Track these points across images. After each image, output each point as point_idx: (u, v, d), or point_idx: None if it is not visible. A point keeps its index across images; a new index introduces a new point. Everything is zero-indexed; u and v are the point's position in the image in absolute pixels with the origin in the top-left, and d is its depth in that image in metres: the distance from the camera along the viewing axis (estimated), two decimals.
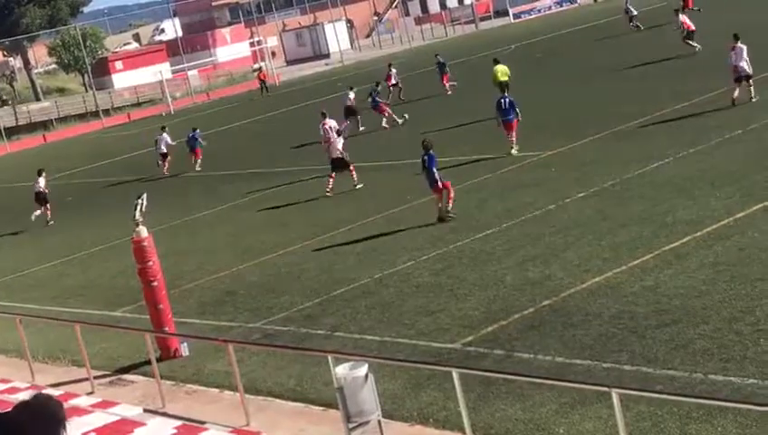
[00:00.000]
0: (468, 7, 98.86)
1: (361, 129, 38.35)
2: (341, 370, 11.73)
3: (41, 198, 33.63)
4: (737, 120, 24.95)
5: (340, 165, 27.63)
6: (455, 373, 11.10)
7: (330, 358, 12.32)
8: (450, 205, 21.68)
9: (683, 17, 41.42)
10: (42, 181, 33.86)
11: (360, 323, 16.48)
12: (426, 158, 21.76)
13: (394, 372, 13.80)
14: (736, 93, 26.98)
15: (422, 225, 21.86)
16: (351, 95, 40.48)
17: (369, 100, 39.65)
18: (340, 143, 27.91)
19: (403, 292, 17.56)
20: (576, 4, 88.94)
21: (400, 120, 37.83)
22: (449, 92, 44.24)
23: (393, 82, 45.76)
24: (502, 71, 35.91)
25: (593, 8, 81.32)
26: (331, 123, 28.83)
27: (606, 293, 15.20)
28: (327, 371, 12.51)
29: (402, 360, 14.01)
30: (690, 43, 40.02)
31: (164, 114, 70.07)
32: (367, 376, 11.59)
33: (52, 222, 33.21)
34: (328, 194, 27.15)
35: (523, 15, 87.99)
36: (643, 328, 13.54)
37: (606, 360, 12.79)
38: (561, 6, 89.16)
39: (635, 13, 54.73)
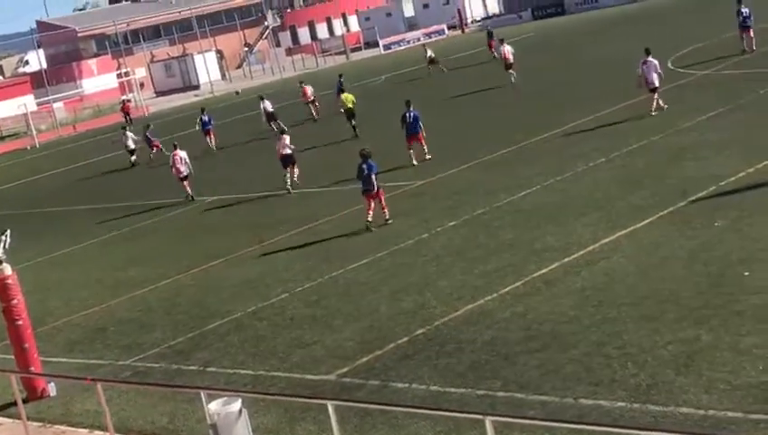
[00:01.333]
0: (339, 38, 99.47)
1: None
2: (214, 406, 11.55)
3: None
4: (600, 148, 25.65)
5: (289, 161, 29.66)
6: (330, 405, 11.04)
7: (202, 394, 12.12)
8: (386, 212, 22.90)
9: (504, 49, 44.11)
10: None
11: (233, 357, 16.29)
12: (366, 166, 22.74)
13: (269, 406, 13.67)
14: (654, 104, 28.89)
15: (296, 256, 21.80)
16: (268, 103, 45.25)
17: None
18: (287, 139, 29.74)
19: (277, 324, 17.44)
20: (444, 36, 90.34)
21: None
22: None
23: (311, 98, 47.49)
24: (349, 98, 38.75)
25: (462, 39, 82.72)
26: (181, 154, 32.10)
27: (478, 320, 15.39)
28: (200, 407, 12.30)
29: (276, 394, 13.90)
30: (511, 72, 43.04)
31: (29, 148, 68.34)
32: (241, 411, 11.43)
33: None
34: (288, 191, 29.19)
35: (393, 47, 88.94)
36: (515, 354, 13.74)
37: (479, 387, 12.93)
38: (430, 38, 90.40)
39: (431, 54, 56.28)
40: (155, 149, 44.39)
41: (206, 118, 44.36)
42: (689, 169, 21.99)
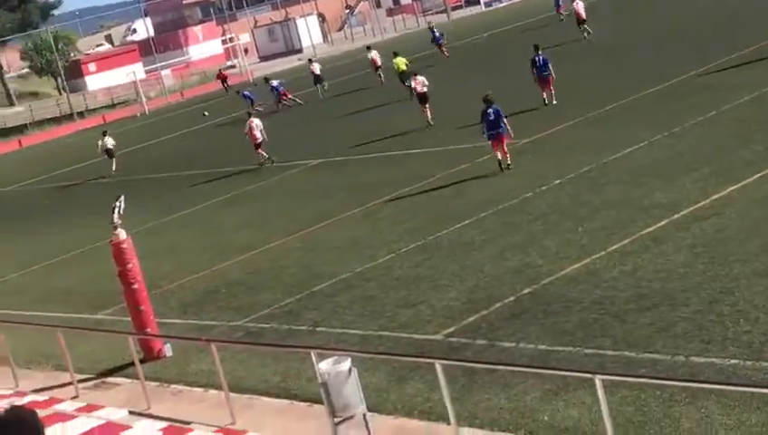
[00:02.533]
0: None
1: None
2: (325, 365, 11.74)
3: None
4: (710, 102, 25.07)
5: (424, 99, 32.44)
6: (438, 365, 11.13)
7: (313, 354, 12.34)
8: (508, 157, 23.53)
9: (576, 5, 45.24)
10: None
11: (341, 317, 16.50)
12: (491, 110, 23.34)
13: (377, 365, 13.83)
14: None
15: (401, 217, 21.91)
16: (317, 66, 50.75)
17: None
18: (422, 78, 32.55)
19: (384, 285, 17.59)
20: None
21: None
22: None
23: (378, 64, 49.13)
24: (401, 62, 42.01)
25: None
26: (256, 121, 33.68)
27: (586, 279, 15.27)
28: (310, 366, 12.53)
29: (385, 353, 14.05)
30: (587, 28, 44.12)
31: (139, 115, 69.76)
32: (350, 370, 11.60)
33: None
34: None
35: (494, 4, 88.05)
36: (624, 313, 13.62)
37: (588, 346, 12.86)
38: None
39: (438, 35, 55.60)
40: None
41: (274, 83, 49.07)
42: None
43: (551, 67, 30.77)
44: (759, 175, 18.21)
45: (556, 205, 19.76)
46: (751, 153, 19.78)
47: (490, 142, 23.79)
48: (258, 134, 33.15)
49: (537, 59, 30.73)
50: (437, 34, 53.34)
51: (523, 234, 18.41)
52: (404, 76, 40.70)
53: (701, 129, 22.87)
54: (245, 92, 50.73)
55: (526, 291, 15.43)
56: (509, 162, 23.58)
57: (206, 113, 49.20)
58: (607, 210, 18.49)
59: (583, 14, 44.92)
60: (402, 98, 38.44)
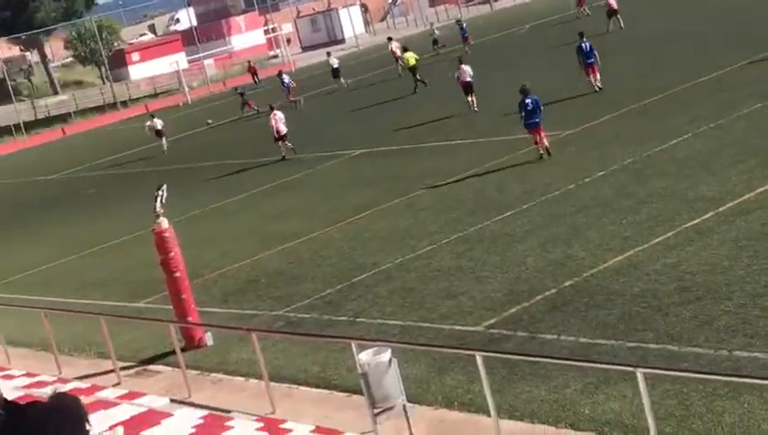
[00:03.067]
0: None
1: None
2: (365, 356, 11.74)
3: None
4: (756, 94, 24.76)
5: (469, 88, 33.33)
6: (478, 357, 11.09)
7: (353, 344, 12.34)
8: (547, 144, 23.88)
9: None
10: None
11: (382, 308, 16.49)
12: (530, 100, 23.79)
13: (417, 356, 13.81)
14: None
15: (442, 208, 21.86)
16: (335, 60, 53.05)
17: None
18: (468, 68, 33.50)
19: (425, 276, 17.55)
20: None
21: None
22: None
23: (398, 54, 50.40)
24: (410, 56, 43.53)
25: None
26: (279, 114, 34.21)
27: (628, 271, 15.15)
28: (350, 357, 12.53)
29: (425, 344, 14.03)
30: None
31: (181, 104, 70.14)
32: (390, 361, 11.59)
33: None
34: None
35: None
36: (667, 306, 13.49)
37: (630, 339, 12.75)
38: None
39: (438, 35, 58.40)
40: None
41: (286, 79, 49.86)
42: None
43: (596, 54, 31.27)
44: None
45: (599, 197, 19.62)
46: None
47: (528, 132, 24.12)
48: (282, 127, 33.74)
49: (584, 45, 31.34)
50: (463, 27, 55.18)
51: (565, 226, 18.29)
52: (414, 70, 42.67)
53: (747, 121, 22.59)
54: (241, 90, 52.64)
55: (568, 283, 15.33)
56: (549, 151, 23.71)
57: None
58: (651, 202, 18.32)
59: (615, 5, 45.28)
60: (437, 90, 38.28)
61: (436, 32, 59.20)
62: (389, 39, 55.75)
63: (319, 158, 32.24)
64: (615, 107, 27.59)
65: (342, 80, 51.70)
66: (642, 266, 15.21)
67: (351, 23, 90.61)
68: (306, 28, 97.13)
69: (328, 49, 59.80)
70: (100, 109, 76.64)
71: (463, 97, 33.38)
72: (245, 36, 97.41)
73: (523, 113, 23.93)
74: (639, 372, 9.70)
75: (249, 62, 74.00)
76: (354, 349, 12.12)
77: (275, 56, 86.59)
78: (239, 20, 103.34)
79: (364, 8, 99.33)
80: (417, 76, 42.34)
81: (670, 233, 16.37)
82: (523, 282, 15.94)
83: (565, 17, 57.05)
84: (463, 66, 33.78)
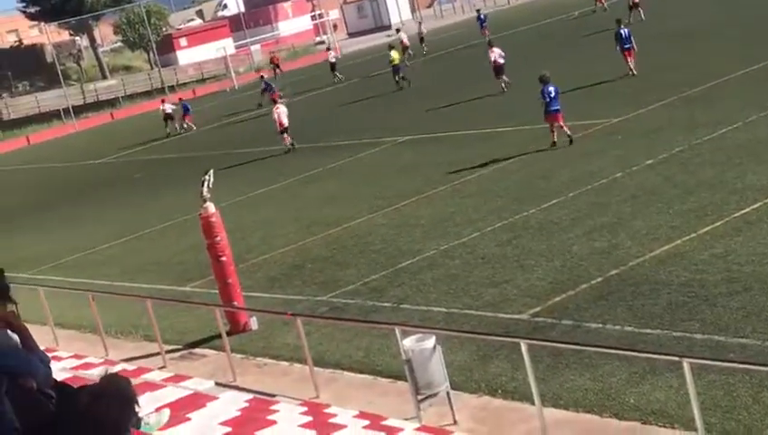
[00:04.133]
0: None
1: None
2: (409, 342, 11.76)
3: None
4: None
5: (501, 70, 35.24)
6: (523, 345, 11.05)
7: (397, 330, 12.35)
8: (568, 129, 24.57)
9: None
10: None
11: (426, 295, 16.50)
12: (552, 88, 24.62)
13: (462, 343, 13.81)
14: None
15: (486, 195, 21.79)
16: (332, 54, 56.79)
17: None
18: (499, 50, 35.34)
19: (469, 263, 17.53)
20: None
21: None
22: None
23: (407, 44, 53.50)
24: (394, 56, 45.09)
25: None
26: (282, 108, 35.05)
27: (675, 261, 15.02)
28: (394, 343, 12.55)
29: (470, 332, 14.01)
30: None
31: (228, 90, 70.46)
32: (434, 348, 11.61)
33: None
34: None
35: None
36: (714, 296, 13.37)
37: (676, 329, 12.66)
38: None
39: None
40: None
41: (268, 82, 49.98)
42: None
43: (633, 40, 32.44)
44: None
45: (646, 185, 19.46)
46: None
47: (549, 119, 24.84)
48: (285, 120, 34.66)
49: (622, 32, 32.53)
50: (482, 17, 58.09)
51: (611, 215, 18.17)
52: (397, 69, 44.65)
53: None
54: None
55: (614, 272, 15.23)
56: (570, 135, 24.48)
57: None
58: (699, 192, 18.15)
59: None
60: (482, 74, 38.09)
61: (424, 30, 60.47)
62: (398, 30, 58.82)
63: (362, 145, 32.26)
64: (663, 95, 27.31)
65: (334, 74, 54.30)
66: (689, 256, 15.08)
67: (398, 9, 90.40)
68: (353, 14, 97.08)
69: (327, 45, 62.48)
70: (147, 94, 77.17)
71: (495, 80, 35.05)
72: (292, 22, 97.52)
73: (547, 100, 24.62)
74: (686, 362, 9.62)
75: (272, 52, 74.11)
76: (398, 335, 12.14)
77: (322, 42, 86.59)
78: (286, 6, 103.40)
79: None
80: (398, 77, 44.40)
81: (718, 223, 16.21)
82: (568, 270, 15.86)
83: (585, 11, 56.45)
84: (494, 48, 35.53)
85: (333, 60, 55.96)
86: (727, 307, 12.92)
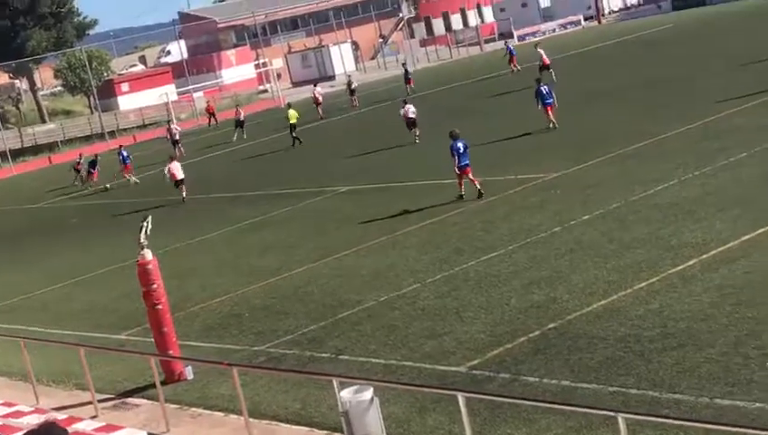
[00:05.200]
0: (473, 30, 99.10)
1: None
2: (346, 394, 11.69)
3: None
4: (741, 143, 24.93)
5: (412, 123, 38.10)
6: (460, 397, 11.05)
7: (335, 382, 12.28)
8: (478, 184, 25.46)
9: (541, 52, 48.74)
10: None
11: (365, 346, 16.44)
12: (462, 144, 25.46)
13: (399, 395, 13.76)
14: None
15: (427, 247, 21.86)
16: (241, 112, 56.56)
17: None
18: (411, 107, 38.33)
19: (409, 315, 17.52)
20: (580, 27, 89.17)
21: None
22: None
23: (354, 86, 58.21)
24: (292, 114, 46.00)
25: (599, 29, 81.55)
26: (176, 164, 37.96)
27: (611, 316, 15.16)
28: (332, 394, 12.47)
29: (407, 383, 13.98)
30: None
31: (169, 136, 69.98)
32: (372, 400, 11.55)
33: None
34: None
35: (527, 38, 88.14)
36: (649, 351, 13.50)
37: (612, 384, 12.75)
38: (566, 29, 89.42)
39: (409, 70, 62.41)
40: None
41: (125, 152, 46.99)
42: None
43: (554, 95, 34.14)
44: None
45: (584, 241, 19.67)
46: None
47: (460, 173, 25.51)
48: (178, 174, 37.21)
49: (542, 89, 34.17)
50: (407, 70, 61.45)
51: (550, 268, 18.32)
52: (293, 127, 45.61)
53: (732, 169, 22.73)
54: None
55: (551, 326, 15.33)
56: (480, 188, 25.35)
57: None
58: (635, 248, 18.38)
59: (548, 61, 48.41)
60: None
61: (354, 83, 61.37)
62: (315, 84, 60.57)
63: (305, 193, 32.24)
64: (600, 152, 27.71)
65: (241, 131, 54.75)
66: (625, 311, 15.23)
67: (342, 60, 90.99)
68: (297, 63, 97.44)
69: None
70: (87, 138, 76.47)
71: (408, 131, 37.88)
72: (236, 70, 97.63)
73: (457, 156, 25.32)
74: (621, 418, 9.68)
75: (208, 101, 73.97)
76: (336, 386, 12.06)
77: (265, 90, 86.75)
78: (230, 54, 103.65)
79: (355, 46, 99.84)
80: (294, 134, 45.59)
81: (654, 279, 16.41)
82: (506, 323, 15.93)
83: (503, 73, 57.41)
84: (407, 105, 38.69)
85: (242, 118, 56.20)
86: (662, 363, 13.04)
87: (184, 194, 36.93)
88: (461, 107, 46.42)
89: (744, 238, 17.46)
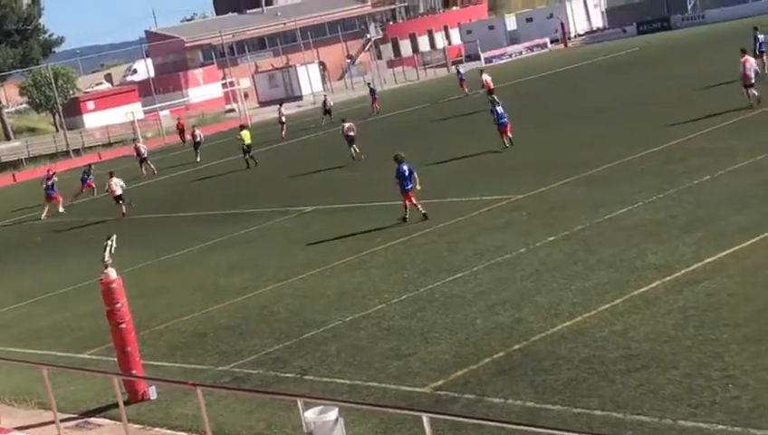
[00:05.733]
0: (440, 51, 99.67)
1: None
2: (311, 414, 11.65)
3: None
4: (705, 166, 25.19)
5: (352, 140, 40.44)
6: (425, 418, 11.03)
7: (299, 402, 12.23)
8: (420, 208, 25.89)
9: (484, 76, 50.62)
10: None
11: (330, 366, 16.41)
12: (407, 167, 25.80)
13: (364, 416, 13.74)
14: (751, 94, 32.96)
15: (393, 267, 21.88)
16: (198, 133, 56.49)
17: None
18: (348, 124, 40.94)
19: (374, 335, 17.52)
20: (547, 50, 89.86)
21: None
22: None
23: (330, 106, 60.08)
24: (247, 135, 46.72)
25: (564, 53, 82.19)
26: (116, 180, 38.69)
27: (576, 337, 15.23)
28: (296, 415, 12.42)
29: (372, 404, 13.96)
30: None
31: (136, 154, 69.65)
32: (337, 420, 11.52)
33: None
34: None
35: (494, 60, 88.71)
36: (613, 373, 13.57)
37: (576, 405, 12.80)
38: (533, 51, 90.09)
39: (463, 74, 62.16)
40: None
41: (88, 173, 48.14)
42: None
43: (506, 115, 35.12)
44: (751, 241, 18.25)
45: (549, 262, 19.76)
46: (744, 219, 19.83)
47: (404, 196, 25.98)
48: (118, 190, 38.22)
49: (497, 109, 35.13)
50: (373, 89, 63.96)
51: (514, 290, 18.40)
52: (248, 148, 46.27)
53: (695, 192, 22.96)
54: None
55: (516, 347, 15.38)
56: (423, 211, 25.80)
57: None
58: (599, 269, 18.50)
59: (491, 85, 49.32)
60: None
61: (330, 102, 62.26)
62: (281, 103, 63.12)
63: (271, 213, 32.20)
64: (565, 174, 27.90)
65: (197, 152, 54.87)
66: (590, 333, 15.31)
67: (309, 80, 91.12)
68: (264, 83, 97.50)
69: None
70: (52, 156, 76.02)
71: (346, 147, 40.37)
72: (203, 89, 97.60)
73: (401, 180, 25.81)
74: None
75: (179, 119, 73.67)
76: (300, 407, 12.01)
77: (232, 110, 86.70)
78: (197, 73, 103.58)
79: (322, 66, 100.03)
80: (247, 157, 46.21)
81: (618, 300, 16.52)
82: (471, 344, 15.96)
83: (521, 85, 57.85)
84: (346, 123, 41.03)
85: (200, 139, 55.93)
86: (626, 384, 13.12)
87: (123, 210, 37.70)
88: (425, 128, 46.69)
89: (707, 261, 17.62)
